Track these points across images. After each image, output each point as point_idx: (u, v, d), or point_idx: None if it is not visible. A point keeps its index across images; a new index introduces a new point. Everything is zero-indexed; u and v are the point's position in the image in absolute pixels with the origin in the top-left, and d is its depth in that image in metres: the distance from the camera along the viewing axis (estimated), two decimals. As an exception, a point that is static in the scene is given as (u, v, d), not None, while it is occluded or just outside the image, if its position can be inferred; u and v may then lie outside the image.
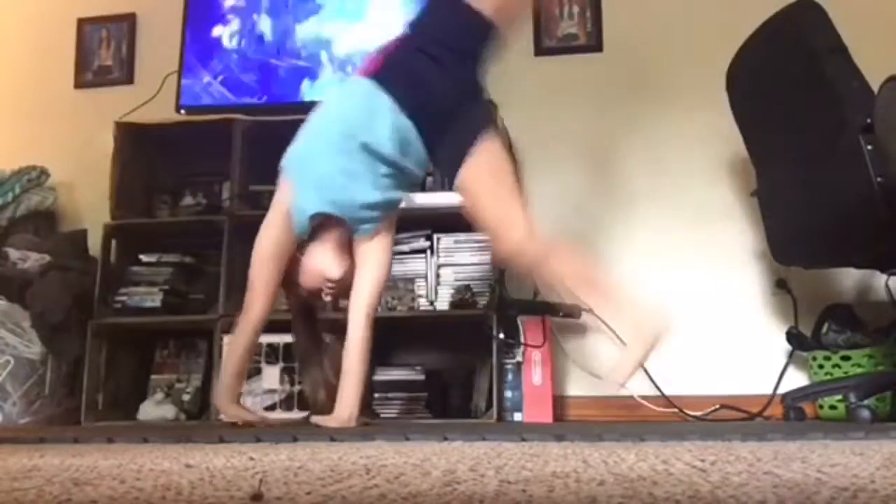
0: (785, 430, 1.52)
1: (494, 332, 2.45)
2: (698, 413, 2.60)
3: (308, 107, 2.80)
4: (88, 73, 3.36)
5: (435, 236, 2.69)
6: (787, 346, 2.60)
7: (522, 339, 2.51)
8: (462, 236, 2.68)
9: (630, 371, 1.75)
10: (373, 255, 1.91)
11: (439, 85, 1.80)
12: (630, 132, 2.91)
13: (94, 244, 2.88)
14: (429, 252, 2.68)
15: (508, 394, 2.51)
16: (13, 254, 2.80)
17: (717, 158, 2.82)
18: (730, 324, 2.73)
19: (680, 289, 2.78)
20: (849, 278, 2.67)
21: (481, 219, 1.82)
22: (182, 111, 2.96)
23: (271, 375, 2.41)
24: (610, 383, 1.87)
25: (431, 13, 1.88)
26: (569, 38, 3.05)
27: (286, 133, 2.85)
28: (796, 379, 2.62)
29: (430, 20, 1.87)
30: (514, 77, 3.01)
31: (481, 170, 1.78)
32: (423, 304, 2.64)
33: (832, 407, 2.34)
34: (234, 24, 3.03)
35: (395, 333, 2.77)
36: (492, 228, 1.82)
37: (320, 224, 1.88)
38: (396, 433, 1.44)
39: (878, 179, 1.70)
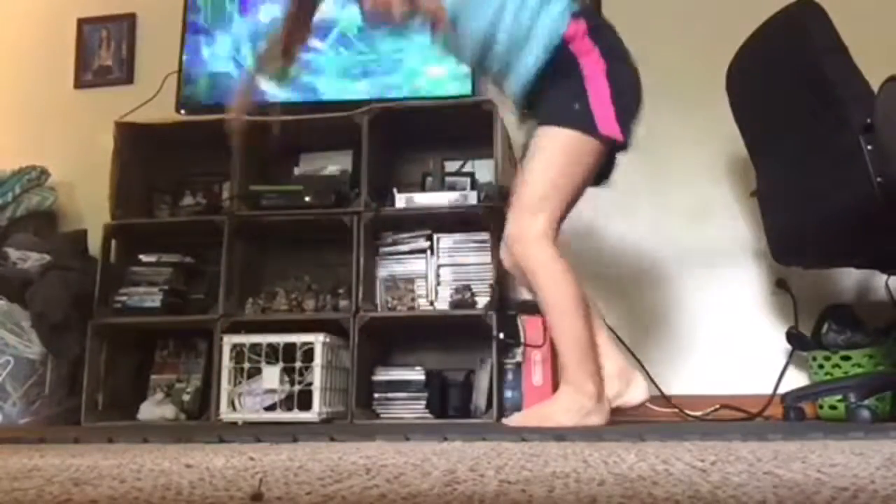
0: (785, 430, 1.52)
1: (494, 332, 2.45)
2: (698, 413, 2.60)
3: (308, 107, 2.83)
4: (88, 73, 3.36)
5: (435, 236, 2.69)
6: (787, 346, 2.60)
7: (522, 339, 2.51)
8: (462, 236, 2.68)
9: (521, 422, 1.81)
10: None
11: None
12: (630, 132, 2.91)
13: (94, 244, 2.88)
14: (429, 252, 2.68)
15: (508, 394, 2.51)
16: (13, 254, 2.80)
17: (717, 158, 2.82)
18: (730, 324, 2.73)
19: (680, 289, 2.78)
20: (849, 278, 2.67)
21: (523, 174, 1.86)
22: (182, 111, 2.96)
23: (271, 375, 2.41)
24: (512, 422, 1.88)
25: None
26: (569, 38, 3.05)
27: (286, 133, 2.87)
28: (796, 379, 2.62)
29: None
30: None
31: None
32: (423, 304, 2.64)
33: (832, 407, 2.34)
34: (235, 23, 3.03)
35: (395, 333, 2.78)
36: (519, 190, 1.86)
37: None
38: (396, 433, 1.44)
39: (878, 179, 1.69)
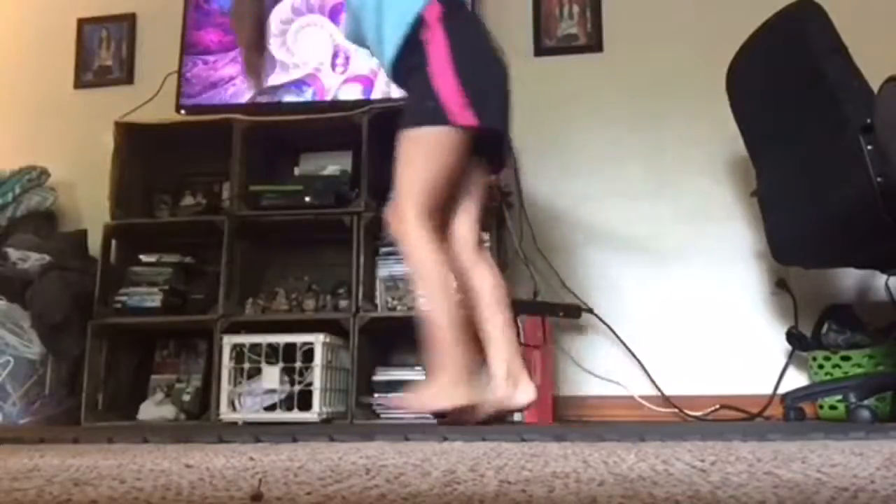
0: (785, 430, 1.52)
1: (494, 332, 2.44)
2: (698, 413, 2.60)
3: (308, 107, 2.84)
4: (88, 73, 3.36)
5: (435, 236, 2.69)
6: (787, 346, 2.60)
7: (522, 339, 2.51)
8: (462, 236, 2.67)
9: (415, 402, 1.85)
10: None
11: None
12: (630, 132, 2.92)
13: (94, 244, 2.88)
14: (429, 252, 2.68)
15: (508, 394, 2.51)
16: (13, 254, 2.80)
17: (717, 158, 2.82)
18: (730, 324, 2.73)
19: (680, 289, 2.78)
20: (849, 278, 2.67)
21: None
22: (182, 111, 2.96)
23: (271, 375, 2.41)
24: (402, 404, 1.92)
25: None
26: (569, 38, 3.05)
27: (286, 133, 2.88)
28: (796, 379, 2.62)
29: None
30: (514, 77, 3.01)
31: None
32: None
33: (832, 407, 2.34)
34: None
35: (395, 333, 2.77)
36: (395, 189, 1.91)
37: None
38: (396, 433, 1.44)
39: (878, 179, 1.69)
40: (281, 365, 2.40)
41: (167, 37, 3.09)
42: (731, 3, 2.85)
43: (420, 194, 1.85)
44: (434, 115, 1.82)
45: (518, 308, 2.56)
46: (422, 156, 1.86)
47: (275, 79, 2.95)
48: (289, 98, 2.92)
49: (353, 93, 2.89)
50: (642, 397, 2.67)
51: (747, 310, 2.74)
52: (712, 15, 2.91)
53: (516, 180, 2.88)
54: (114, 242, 2.80)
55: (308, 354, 2.40)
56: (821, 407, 2.41)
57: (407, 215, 1.84)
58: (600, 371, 2.74)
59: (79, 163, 3.15)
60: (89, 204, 3.08)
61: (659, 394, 2.66)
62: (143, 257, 2.83)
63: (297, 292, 2.72)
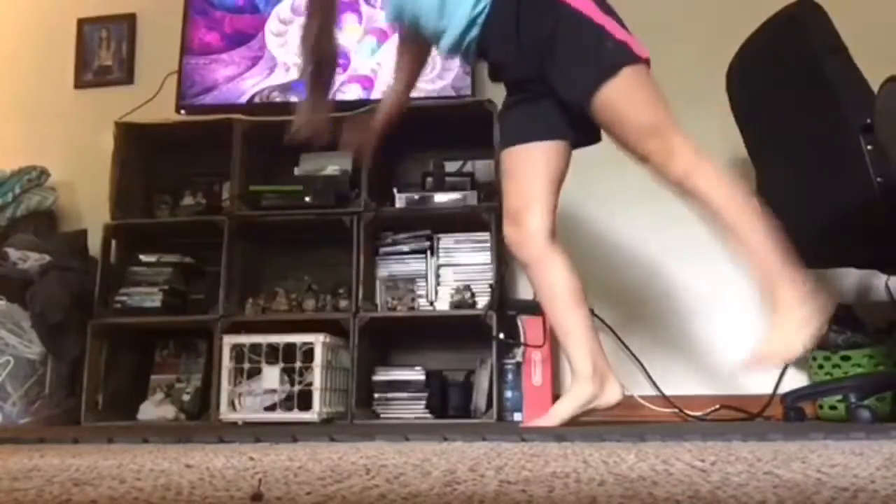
0: (785, 430, 1.52)
1: (494, 332, 2.45)
2: (698, 413, 2.60)
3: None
4: (88, 73, 3.36)
5: (435, 236, 2.69)
6: (787, 346, 2.59)
7: (522, 339, 2.51)
8: (462, 236, 2.68)
9: (780, 350, 1.61)
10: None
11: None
12: (630, 132, 2.91)
13: (94, 244, 2.88)
14: (429, 252, 2.69)
15: (508, 394, 2.51)
16: (13, 254, 2.80)
17: (718, 158, 2.80)
18: (730, 323, 2.73)
19: (680, 289, 2.78)
20: (849, 278, 2.67)
21: (626, 131, 1.73)
22: (182, 111, 2.96)
23: (271, 375, 2.41)
24: (755, 364, 1.69)
25: None
26: (569, 38, 3.05)
27: (286, 133, 2.87)
28: (796, 379, 2.61)
29: None
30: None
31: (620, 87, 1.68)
32: (423, 304, 2.64)
33: (832, 407, 2.34)
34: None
35: (395, 333, 2.78)
36: (640, 140, 1.72)
37: None
38: (396, 433, 1.44)
39: (878, 179, 1.69)
40: (281, 365, 2.40)
41: (167, 37, 3.09)
42: (730, 4, 2.85)
43: (675, 122, 1.67)
44: (622, 54, 1.66)
45: (518, 308, 2.57)
46: (642, 92, 1.69)
47: (275, 79, 2.95)
48: (289, 98, 2.92)
49: (353, 93, 2.90)
50: (642, 397, 2.67)
51: (747, 310, 2.74)
52: (712, 15, 2.91)
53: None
54: (114, 242, 2.80)
55: (308, 354, 2.40)
56: (821, 407, 2.41)
57: (684, 150, 1.66)
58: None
59: (79, 163, 3.15)
60: (89, 204, 3.08)
61: (659, 394, 2.66)
62: (143, 257, 2.83)
63: (297, 292, 2.72)
